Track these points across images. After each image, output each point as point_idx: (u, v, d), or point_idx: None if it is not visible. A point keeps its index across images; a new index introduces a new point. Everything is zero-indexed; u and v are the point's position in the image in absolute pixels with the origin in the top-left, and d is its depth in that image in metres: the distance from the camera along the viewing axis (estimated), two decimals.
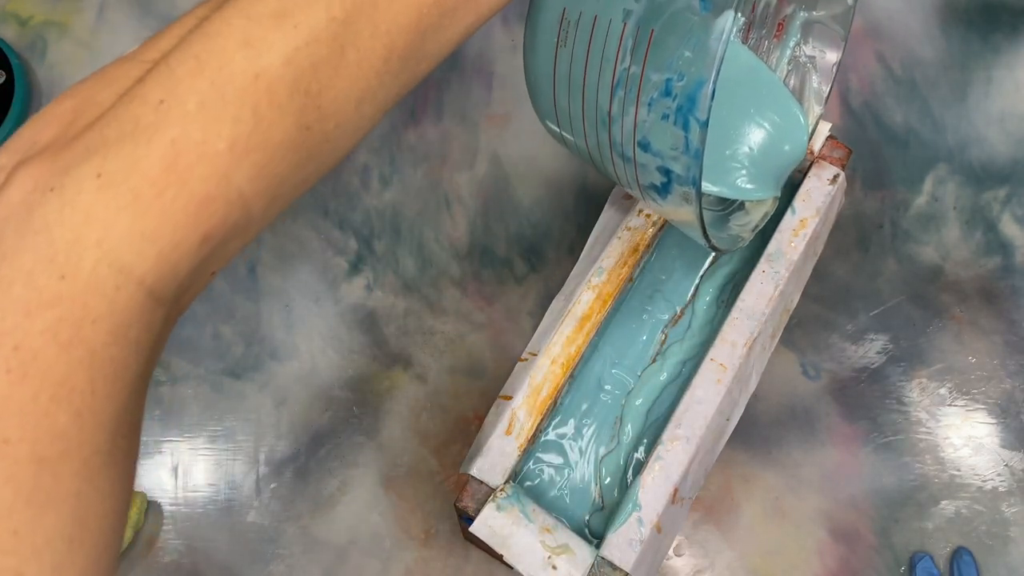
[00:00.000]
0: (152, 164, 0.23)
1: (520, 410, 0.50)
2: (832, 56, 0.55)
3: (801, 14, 0.55)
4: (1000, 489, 0.59)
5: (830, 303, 0.64)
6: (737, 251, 0.58)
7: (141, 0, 0.76)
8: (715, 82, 0.32)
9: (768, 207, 0.52)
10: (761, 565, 0.57)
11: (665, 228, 0.56)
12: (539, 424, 0.50)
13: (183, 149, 0.22)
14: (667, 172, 0.36)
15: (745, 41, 0.55)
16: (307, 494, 0.59)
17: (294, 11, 0.24)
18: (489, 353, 0.63)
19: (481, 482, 0.48)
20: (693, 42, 0.33)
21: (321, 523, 0.58)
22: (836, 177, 0.55)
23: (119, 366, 0.23)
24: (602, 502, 0.52)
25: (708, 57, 0.32)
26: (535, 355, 0.52)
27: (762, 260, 0.53)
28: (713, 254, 0.59)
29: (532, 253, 0.66)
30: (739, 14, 0.53)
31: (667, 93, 0.34)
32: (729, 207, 0.54)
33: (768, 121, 0.53)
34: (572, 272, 0.58)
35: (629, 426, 0.55)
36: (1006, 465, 0.59)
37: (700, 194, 0.36)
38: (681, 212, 0.39)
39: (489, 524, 0.46)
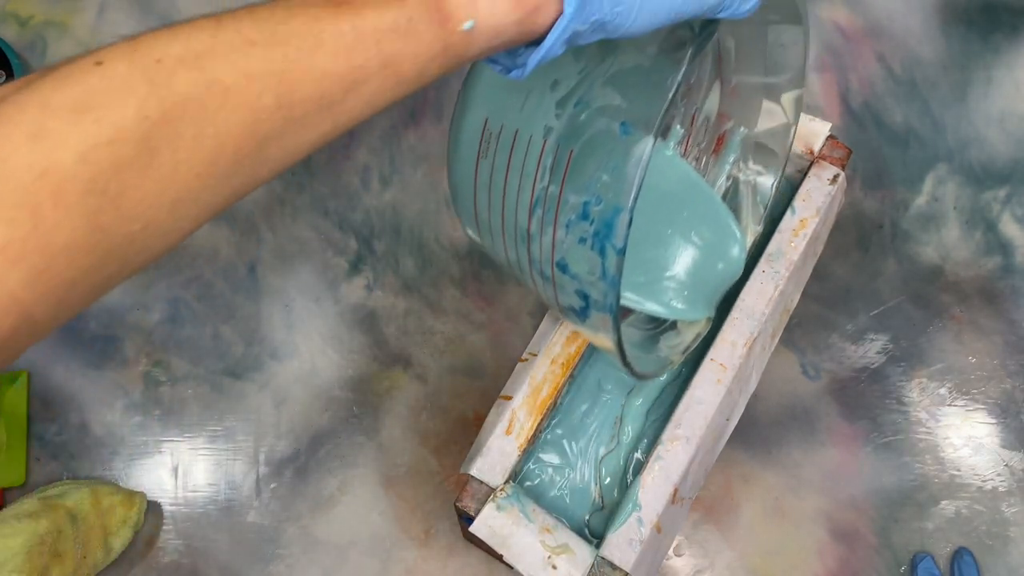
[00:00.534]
0: None
1: (520, 410, 0.50)
2: (770, 176, 0.54)
3: (741, 131, 0.53)
4: (1000, 489, 0.59)
5: (830, 303, 0.64)
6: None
7: (141, 0, 0.76)
8: (632, 211, 0.31)
9: (701, 328, 0.50)
10: (761, 565, 0.57)
11: None
12: (539, 424, 0.50)
13: None
14: (585, 296, 0.35)
15: (684, 154, 0.53)
16: (307, 494, 0.59)
17: (98, 105, 0.22)
18: (489, 353, 0.63)
19: (481, 482, 0.48)
20: (612, 166, 0.32)
21: (321, 523, 0.58)
22: (836, 177, 0.55)
23: None
24: (602, 502, 0.52)
25: (626, 184, 0.31)
26: (535, 355, 0.52)
27: (762, 260, 0.53)
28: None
29: None
30: (678, 126, 0.51)
31: (585, 216, 0.33)
32: (660, 326, 0.52)
33: (702, 238, 0.51)
34: None
35: (629, 426, 0.55)
36: (1006, 465, 0.59)
37: (618, 322, 0.35)
38: (600, 338, 0.38)
39: (489, 524, 0.46)
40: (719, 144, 0.54)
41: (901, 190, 0.68)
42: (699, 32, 0.32)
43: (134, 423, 0.61)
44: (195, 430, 0.61)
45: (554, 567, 0.45)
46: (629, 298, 0.48)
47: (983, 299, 0.64)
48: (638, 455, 0.54)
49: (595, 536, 0.51)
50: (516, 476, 0.50)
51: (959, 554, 0.56)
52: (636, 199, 0.31)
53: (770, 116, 0.52)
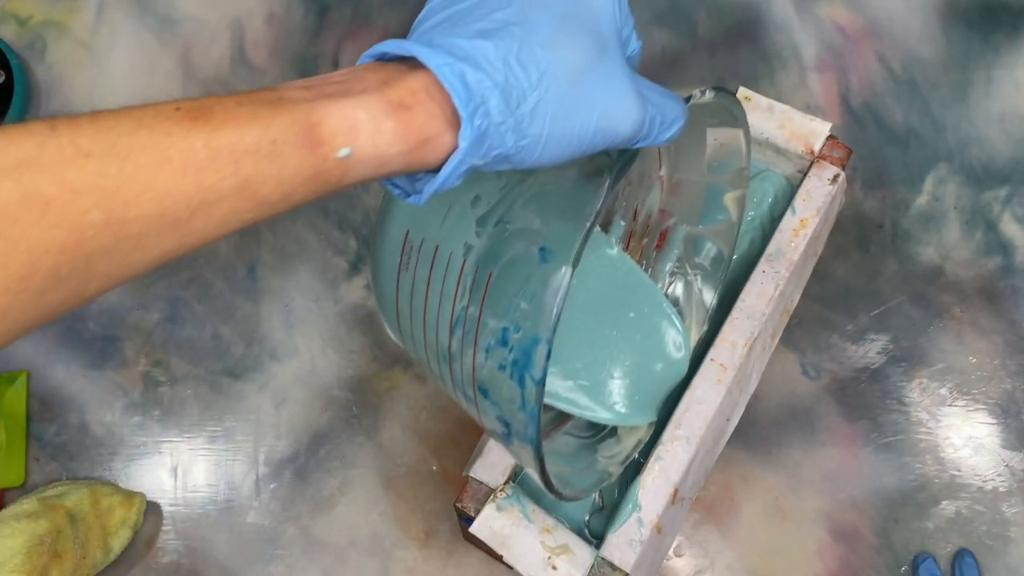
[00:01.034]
0: None
1: None
2: (714, 273, 0.53)
3: (684, 227, 0.52)
4: (1000, 489, 0.59)
5: (830, 303, 0.64)
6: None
7: (140, 0, 0.76)
8: (551, 342, 0.30)
9: (642, 434, 0.48)
10: (761, 565, 0.57)
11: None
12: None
13: None
14: (507, 424, 0.34)
15: (627, 248, 0.52)
16: (307, 494, 0.59)
17: None
18: None
19: (481, 482, 0.48)
20: (530, 294, 0.31)
21: (321, 523, 0.58)
22: (836, 177, 0.55)
23: None
24: (602, 502, 0.52)
25: (544, 314, 0.30)
26: None
27: (762, 260, 0.53)
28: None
29: None
30: (620, 220, 0.50)
31: (504, 343, 0.32)
32: (599, 433, 0.50)
33: (647, 339, 0.49)
34: None
35: None
36: (1006, 465, 0.59)
37: (540, 453, 0.34)
38: (526, 463, 0.36)
39: (489, 524, 0.46)
40: (662, 239, 0.53)
41: (901, 190, 0.68)
42: (617, 159, 0.31)
43: (133, 423, 0.61)
44: (195, 430, 0.61)
45: (554, 568, 0.45)
46: (570, 401, 0.46)
47: (983, 299, 0.64)
48: (638, 455, 0.53)
49: (595, 537, 0.51)
50: (516, 476, 0.50)
51: (960, 555, 0.56)
52: (555, 331, 0.30)
53: (713, 214, 0.50)
